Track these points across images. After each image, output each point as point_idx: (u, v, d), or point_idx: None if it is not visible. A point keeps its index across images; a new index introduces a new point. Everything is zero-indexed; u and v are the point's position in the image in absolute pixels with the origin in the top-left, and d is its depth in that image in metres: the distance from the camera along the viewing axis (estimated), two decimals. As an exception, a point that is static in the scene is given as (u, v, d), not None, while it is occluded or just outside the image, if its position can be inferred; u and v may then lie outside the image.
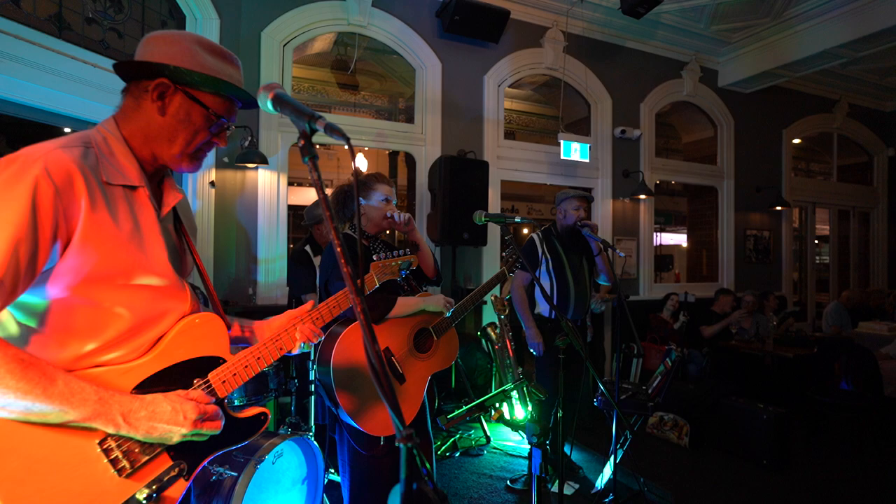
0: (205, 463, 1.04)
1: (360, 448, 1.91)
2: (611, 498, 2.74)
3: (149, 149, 1.04)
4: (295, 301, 3.12)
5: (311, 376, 2.75)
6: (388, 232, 2.66)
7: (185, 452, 1.01)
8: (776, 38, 5.56)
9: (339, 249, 0.85)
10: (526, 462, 3.45)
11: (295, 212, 5.26)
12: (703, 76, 6.08)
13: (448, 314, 2.12)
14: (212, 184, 3.87)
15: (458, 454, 3.63)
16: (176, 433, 0.95)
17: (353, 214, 2.14)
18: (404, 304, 2.01)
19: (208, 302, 1.24)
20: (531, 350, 3.11)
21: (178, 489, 0.99)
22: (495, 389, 3.11)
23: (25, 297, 0.90)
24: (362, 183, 2.15)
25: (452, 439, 3.78)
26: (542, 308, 3.14)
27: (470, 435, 3.99)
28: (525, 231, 8.86)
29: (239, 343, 1.21)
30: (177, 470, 0.99)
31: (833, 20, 5.06)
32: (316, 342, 1.27)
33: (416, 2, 4.62)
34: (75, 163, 0.91)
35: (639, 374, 4.86)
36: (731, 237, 6.38)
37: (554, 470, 2.96)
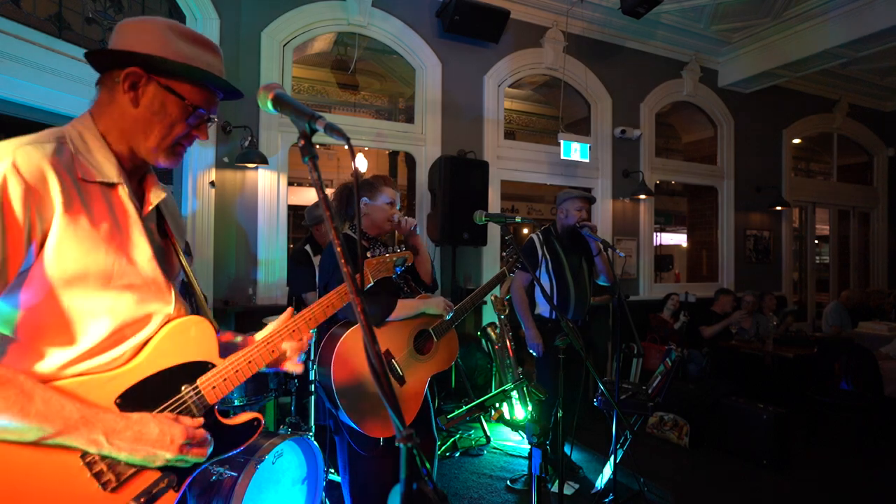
0: (195, 474, 0.99)
1: (359, 449, 1.91)
2: (611, 498, 2.74)
3: (125, 143, 0.99)
4: (295, 300, 3.11)
5: (311, 376, 2.75)
6: (387, 234, 2.66)
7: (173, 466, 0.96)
8: (776, 38, 5.56)
9: (339, 249, 0.84)
10: (526, 462, 3.45)
11: (295, 212, 5.26)
12: (703, 76, 6.08)
13: (448, 317, 2.12)
14: (212, 184, 3.87)
15: (458, 454, 3.63)
16: (160, 457, 0.90)
17: (354, 214, 2.14)
18: (404, 307, 2.00)
19: (198, 307, 1.18)
20: (531, 351, 3.11)
21: (168, 501, 0.94)
22: (495, 389, 3.11)
23: None
24: (369, 183, 2.15)
25: (452, 439, 3.78)
26: (543, 308, 3.14)
27: (470, 435, 3.99)
28: (525, 231, 8.85)
29: (231, 348, 1.14)
30: (165, 482, 0.94)
31: (833, 20, 5.06)
32: (298, 358, 1.20)
33: (416, 2, 4.62)
34: (47, 159, 0.85)
35: (639, 374, 4.86)
36: (731, 237, 6.38)
37: (554, 470, 2.96)
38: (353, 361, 1.83)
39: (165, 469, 0.93)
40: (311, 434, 2.64)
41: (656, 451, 3.75)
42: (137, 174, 1.04)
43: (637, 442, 3.34)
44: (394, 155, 6.06)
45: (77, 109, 1.05)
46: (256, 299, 4.02)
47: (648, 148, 5.78)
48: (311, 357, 2.74)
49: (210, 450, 0.97)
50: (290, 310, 1.21)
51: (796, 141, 7.13)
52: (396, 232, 2.29)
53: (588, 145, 5.28)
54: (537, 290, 3.13)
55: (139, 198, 1.03)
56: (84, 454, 0.86)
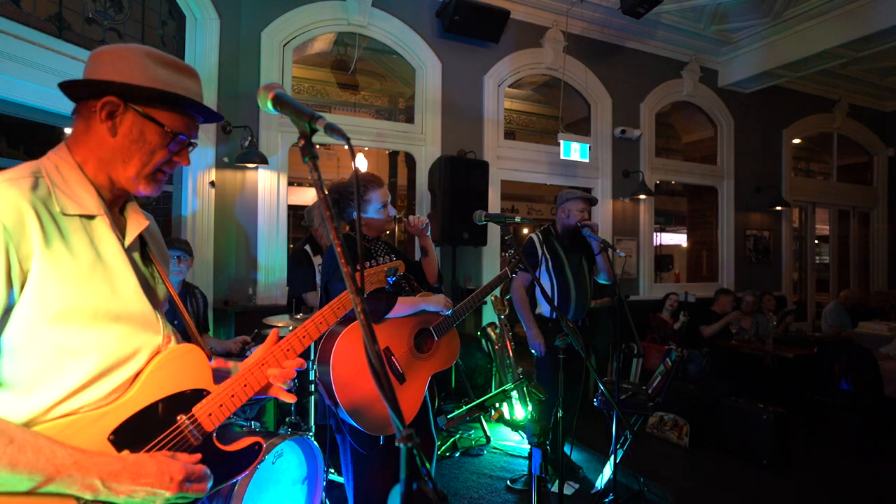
0: None
1: (360, 448, 1.91)
2: (611, 498, 2.74)
3: (104, 173, 0.96)
4: (295, 301, 3.12)
5: (311, 376, 2.76)
6: (387, 232, 2.67)
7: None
8: (776, 38, 5.56)
9: (339, 250, 0.85)
10: (526, 462, 3.45)
11: (295, 212, 5.26)
12: (703, 76, 6.08)
13: (448, 313, 2.12)
14: (212, 184, 3.87)
15: (458, 454, 3.63)
16: (160, 497, 0.87)
17: (350, 221, 2.14)
18: (404, 304, 2.01)
19: (187, 332, 1.14)
20: (532, 351, 3.10)
21: None
22: (495, 389, 3.11)
23: None
24: (358, 195, 2.14)
25: (452, 439, 3.77)
26: (544, 308, 3.13)
27: (470, 435, 3.99)
28: (525, 231, 8.86)
29: (224, 374, 1.11)
30: None
31: (833, 20, 5.06)
32: (289, 387, 1.15)
33: (416, 2, 4.62)
34: (24, 196, 0.83)
35: (639, 374, 4.86)
36: (731, 237, 6.38)
37: (554, 470, 2.96)
38: (352, 359, 1.83)
39: None
40: (311, 434, 2.64)
41: (656, 451, 3.75)
42: (118, 203, 1.02)
43: (637, 442, 3.33)
44: (394, 155, 6.06)
45: (77, 109, 1.03)
46: (256, 299, 4.02)
47: (648, 148, 5.78)
48: (311, 357, 2.75)
49: (210, 484, 0.95)
50: (274, 332, 1.17)
51: (796, 141, 7.13)
52: (397, 232, 2.30)
53: (588, 145, 5.28)
54: (537, 289, 3.13)
55: (121, 228, 1.00)
56: (79, 500, 0.83)
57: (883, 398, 3.98)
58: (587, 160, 5.29)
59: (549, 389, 2.69)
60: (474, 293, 2.30)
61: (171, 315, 1.13)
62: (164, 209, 4.01)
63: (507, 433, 4.10)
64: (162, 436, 0.94)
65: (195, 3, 3.79)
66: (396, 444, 0.77)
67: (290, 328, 2.44)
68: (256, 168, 4.04)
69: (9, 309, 0.82)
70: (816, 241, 7.68)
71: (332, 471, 2.81)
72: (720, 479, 3.31)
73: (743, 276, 6.37)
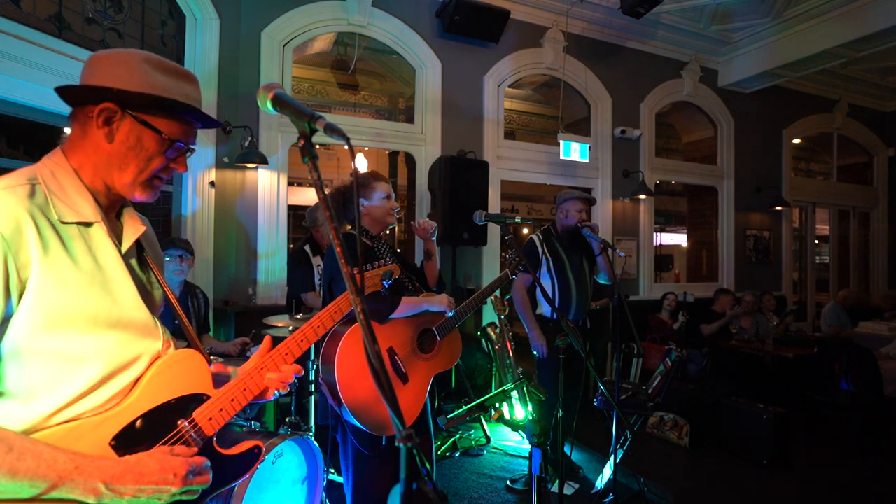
0: None
1: (362, 448, 1.91)
2: (611, 498, 2.74)
3: (100, 179, 0.95)
4: (294, 301, 3.12)
5: (311, 376, 2.75)
6: (387, 232, 2.67)
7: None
8: (776, 38, 5.56)
9: (339, 250, 0.85)
10: (526, 462, 3.45)
11: (295, 212, 5.26)
12: (703, 76, 6.08)
13: (450, 314, 2.12)
14: (212, 184, 3.87)
15: (458, 454, 3.63)
16: (166, 493, 0.87)
17: (353, 217, 2.14)
18: (408, 304, 2.01)
19: (186, 336, 1.14)
20: (534, 352, 3.10)
21: None
22: (495, 389, 3.11)
23: None
24: (362, 183, 2.16)
25: (452, 439, 3.77)
26: (545, 309, 3.13)
27: (470, 435, 3.99)
28: (525, 231, 8.86)
29: (223, 379, 1.11)
30: None
31: (833, 20, 5.06)
32: (288, 391, 1.16)
33: (416, 2, 4.62)
34: (21, 205, 0.83)
35: (639, 374, 4.86)
36: (731, 237, 6.38)
37: (554, 470, 2.96)
38: (356, 359, 1.83)
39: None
40: (311, 434, 2.64)
41: (656, 451, 3.75)
42: (114, 208, 1.02)
43: (637, 442, 3.33)
44: (394, 155, 6.06)
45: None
46: (256, 299, 4.02)
47: (648, 148, 5.78)
48: (311, 357, 2.75)
49: (211, 475, 0.95)
50: (267, 338, 1.16)
51: (796, 141, 7.13)
52: (397, 232, 2.31)
53: (588, 145, 5.28)
54: (538, 290, 3.13)
55: (117, 233, 0.99)
56: None
57: (883, 398, 3.99)
58: (587, 160, 5.29)
59: (550, 390, 2.69)
60: (475, 294, 2.30)
61: (169, 317, 1.13)
62: (164, 209, 4.01)
63: (507, 433, 4.10)
64: (163, 441, 0.95)
65: (195, 3, 3.79)
66: (396, 444, 0.77)
67: (290, 328, 2.44)
68: (256, 168, 4.04)
69: (7, 318, 0.82)
70: (816, 241, 7.68)
71: (332, 471, 2.80)
72: (720, 479, 3.31)
73: (743, 276, 6.37)
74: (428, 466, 0.81)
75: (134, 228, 1.02)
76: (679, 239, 10.10)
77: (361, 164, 6.91)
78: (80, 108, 0.95)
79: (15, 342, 0.83)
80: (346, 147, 0.86)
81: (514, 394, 2.87)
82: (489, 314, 4.69)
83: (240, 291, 3.99)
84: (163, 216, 4.03)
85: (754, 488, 3.20)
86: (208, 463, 0.95)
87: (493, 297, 4.01)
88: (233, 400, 1.05)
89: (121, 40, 3.47)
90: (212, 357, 1.13)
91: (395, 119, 6.59)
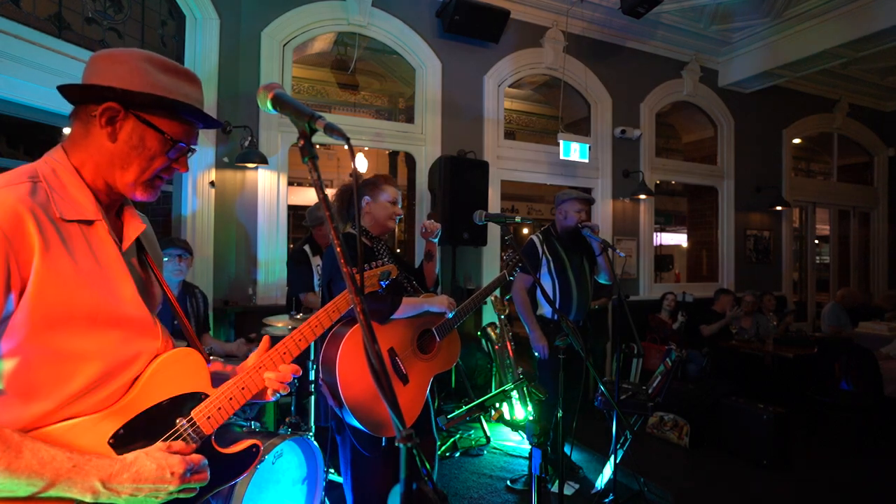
0: None
1: (362, 449, 1.91)
2: (611, 498, 2.74)
3: (101, 178, 0.96)
4: (294, 301, 3.11)
5: (311, 376, 2.75)
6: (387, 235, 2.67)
7: (172, 502, 0.94)
8: (776, 38, 5.56)
9: (338, 250, 0.85)
10: (526, 462, 3.45)
11: (295, 212, 5.26)
12: (703, 76, 6.08)
13: (450, 315, 2.12)
14: (212, 184, 3.87)
15: (458, 454, 3.63)
16: (163, 491, 0.87)
17: (355, 215, 2.14)
18: (408, 305, 2.01)
19: (185, 335, 1.13)
20: (535, 353, 3.09)
21: None
22: (495, 389, 3.11)
23: None
24: (371, 182, 2.16)
25: (452, 439, 3.78)
26: (545, 310, 3.13)
27: (470, 435, 3.99)
28: (525, 231, 8.86)
29: (222, 378, 1.10)
30: None
31: (833, 20, 5.06)
32: (287, 391, 1.15)
33: (416, 2, 4.62)
34: (23, 202, 0.82)
35: (639, 374, 4.86)
36: (731, 237, 6.38)
37: (554, 470, 2.96)
38: (358, 359, 1.83)
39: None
40: (311, 434, 2.64)
41: (656, 451, 3.75)
42: (114, 207, 1.02)
43: (637, 442, 3.34)
44: (394, 155, 6.07)
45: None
46: (256, 299, 4.02)
47: (648, 148, 5.78)
48: (311, 357, 2.74)
49: (209, 473, 0.95)
50: (266, 338, 1.16)
51: (796, 141, 7.13)
52: (397, 232, 2.32)
53: (588, 145, 5.28)
54: (538, 290, 3.13)
55: (117, 231, 1.00)
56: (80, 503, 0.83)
57: (883, 398, 3.98)
58: (587, 160, 5.29)
59: (550, 390, 2.69)
60: (474, 295, 2.31)
61: (168, 316, 1.13)
62: (164, 209, 4.01)
63: (507, 433, 4.10)
64: (161, 439, 0.95)
65: (195, 3, 3.79)
66: (397, 444, 0.77)
67: (290, 328, 2.44)
68: (256, 168, 4.03)
69: (8, 315, 0.82)
70: (817, 241, 7.67)
71: (332, 471, 2.80)
72: (720, 479, 3.31)
73: (743, 276, 6.37)
74: (428, 467, 0.81)
75: (134, 227, 1.02)
76: (679, 239, 10.10)
77: (361, 164, 6.91)
78: (83, 107, 0.95)
79: (15, 339, 0.83)
80: (346, 147, 0.86)
81: (514, 394, 2.87)
82: (489, 314, 4.69)
83: (240, 291, 3.99)
84: (163, 216, 4.03)
85: (754, 488, 3.20)
86: (206, 461, 0.95)
87: (493, 297, 4.01)
88: (231, 399, 1.05)
89: (120, 40, 3.46)
90: (211, 357, 1.13)
91: (395, 119, 6.59)
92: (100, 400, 0.90)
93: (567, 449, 3.14)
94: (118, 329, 0.92)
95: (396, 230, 6.34)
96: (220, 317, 3.90)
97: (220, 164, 3.92)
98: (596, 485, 3.10)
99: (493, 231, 4.80)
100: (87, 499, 0.82)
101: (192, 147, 1.03)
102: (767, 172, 6.67)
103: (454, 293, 4.34)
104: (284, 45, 4.19)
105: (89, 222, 0.92)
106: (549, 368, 3.06)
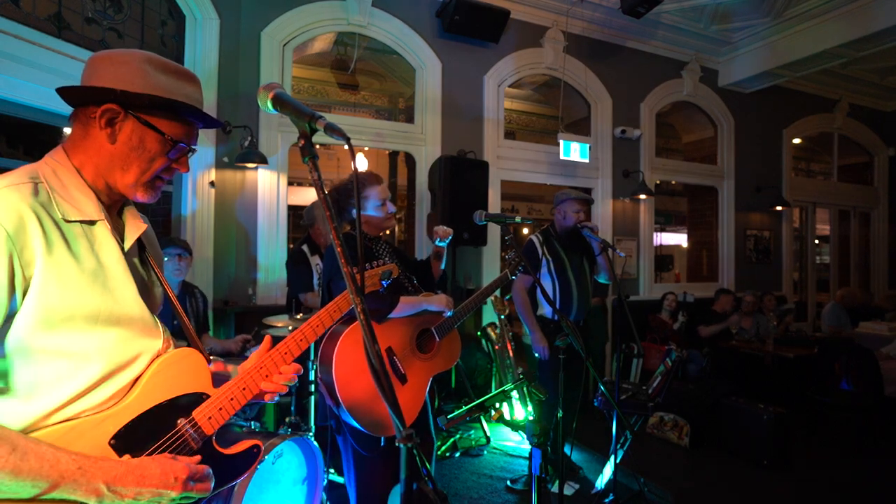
0: None
1: (360, 449, 1.91)
2: (611, 498, 2.74)
3: (102, 179, 0.96)
4: (294, 301, 3.11)
5: (311, 376, 2.75)
6: (387, 232, 2.67)
7: None
8: (776, 38, 5.56)
9: (339, 250, 0.85)
10: (526, 462, 3.45)
11: (295, 212, 5.26)
12: (703, 76, 6.08)
13: (449, 314, 2.12)
14: (212, 184, 3.87)
15: (458, 454, 3.63)
16: (165, 497, 0.87)
17: (351, 220, 2.14)
18: (407, 304, 2.00)
19: (185, 335, 1.13)
20: (536, 354, 3.09)
21: None
22: (495, 389, 3.11)
23: None
24: (357, 193, 2.14)
25: (452, 439, 3.77)
26: (546, 310, 3.13)
27: (470, 435, 3.99)
28: (525, 231, 8.85)
29: (223, 378, 1.11)
30: None
31: (833, 20, 5.06)
32: (285, 392, 1.15)
33: (416, 2, 4.62)
34: (25, 202, 0.83)
35: (639, 374, 4.86)
36: (731, 237, 6.38)
37: (554, 470, 2.96)
38: (355, 359, 1.82)
39: None
40: (311, 434, 2.64)
41: (656, 451, 3.75)
42: (115, 207, 1.02)
43: (637, 442, 3.34)
44: (394, 155, 6.06)
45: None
46: (256, 299, 4.02)
47: (648, 148, 5.77)
48: (311, 357, 2.74)
49: (213, 484, 0.95)
50: (267, 338, 1.16)
51: (796, 141, 7.13)
52: (397, 232, 2.32)
53: (588, 145, 5.28)
54: (539, 291, 3.13)
55: (119, 231, 1.00)
56: None
57: (883, 398, 3.98)
58: (587, 160, 5.29)
59: (550, 390, 2.69)
60: (475, 294, 2.31)
61: (169, 316, 1.13)
62: (163, 209, 4.01)
63: (507, 433, 4.10)
64: (162, 440, 0.95)
65: (195, 3, 3.79)
66: (397, 444, 0.77)
67: (290, 328, 2.44)
68: (256, 168, 4.03)
69: (11, 315, 0.82)
70: (817, 241, 7.67)
71: (332, 471, 2.80)
72: (720, 479, 3.31)
73: (743, 276, 6.37)
74: (428, 467, 0.81)
75: (136, 226, 1.02)
76: (679, 239, 10.10)
77: (361, 163, 6.91)
78: (82, 109, 0.95)
79: (18, 339, 0.83)
80: (346, 147, 0.87)
81: (514, 394, 2.88)
82: (489, 314, 4.69)
83: (239, 291, 3.99)
84: (163, 216, 4.03)
85: (754, 488, 3.20)
86: (210, 470, 0.95)
87: (493, 297, 4.01)
88: (232, 399, 1.05)
89: (120, 40, 3.46)
90: (211, 357, 1.13)
91: (395, 119, 6.59)
92: (101, 400, 0.90)
93: (567, 449, 3.14)
94: (120, 329, 0.92)
95: (396, 230, 6.34)
96: (220, 317, 3.90)
97: (220, 164, 3.92)
98: (596, 485, 3.10)
99: (494, 231, 4.80)
100: (91, 501, 0.82)
101: (193, 147, 1.02)
102: (767, 172, 6.67)
103: (454, 293, 4.34)
104: (284, 45, 4.19)
105: (91, 222, 0.93)
106: (550, 368, 3.06)
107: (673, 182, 7.13)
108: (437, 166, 4.37)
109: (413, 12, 4.61)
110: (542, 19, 5.12)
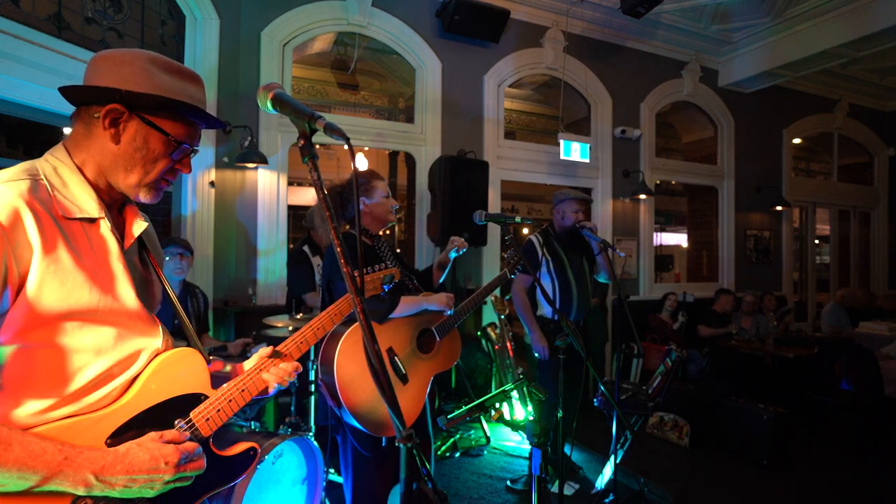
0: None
1: (362, 449, 1.91)
2: (611, 498, 2.74)
3: (104, 178, 0.96)
4: (294, 301, 3.11)
5: (311, 376, 2.75)
6: (387, 232, 2.67)
7: (166, 503, 0.92)
8: (776, 38, 5.56)
9: (339, 250, 0.85)
10: (526, 462, 3.45)
11: (295, 212, 5.26)
12: (703, 76, 6.08)
13: (449, 313, 2.12)
14: (212, 184, 3.86)
15: (458, 454, 3.63)
16: (158, 482, 0.86)
17: (352, 218, 2.14)
18: (407, 303, 2.00)
19: (186, 335, 1.13)
20: (535, 354, 3.09)
21: None
22: (495, 389, 3.10)
23: None
24: (361, 182, 2.16)
25: (452, 439, 3.77)
26: (545, 310, 3.13)
27: (470, 435, 3.99)
28: (525, 231, 8.85)
29: (221, 378, 1.11)
30: None
31: (833, 20, 5.06)
32: (287, 385, 1.16)
33: (416, 2, 4.62)
34: (22, 198, 0.82)
35: (639, 374, 4.86)
36: (731, 237, 6.38)
37: (554, 470, 2.96)
38: (356, 359, 1.82)
39: (159, 498, 0.90)
40: (311, 434, 2.64)
41: (656, 451, 3.75)
42: (116, 205, 1.02)
43: (637, 442, 3.34)
44: (394, 155, 6.06)
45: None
46: (256, 299, 4.02)
47: (648, 148, 5.77)
48: (311, 357, 2.74)
49: (205, 461, 0.95)
50: (270, 349, 1.16)
51: (796, 141, 7.13)
52: (397, 232, 2.32)
53: (588, 145, 5.28)
54: (538, 291, 3.13)
55: (119, 229, 0.99)
56: (76, 499, 0.82)
57: (883, 398, 3.98)
58: (587, 160, 5.29)
59: (550, 390, 2.69)
60: (474, 294, 2.31)
61: (169, 315, 1.13)
62: (163, 209, 4.01)
63: (507, 433, 4.10)
64: None
65: (195, 3, 3.79)
66: (396, 444, 0.77)
67: (290, 328, 2.45)
68: (256, 168, 4.03)
69: (3, 312, 0.82)
70: (817, 241, 7.67)
71: (332, 471, 2.80)
72: (720, 479, 3.31)
73: (743, 276, 6.37)
74: (428, 467, 0.81)
75: (136, 225, 1.02)
76: (679, 239, 10.10)
77: (361, 163, 6.91)
78: (85, 108, 0.95)
79: (11, 336, 0.82)
80: (346, 147, 0.86)
81: (514, 394, 2.87)
82: (489, 314, 4.69)
83: (240, 291, 3.99)
84: (163, 216, 4.03)
85: (754, 488, 3.20)
86: (200, 448, 0.94)
87: (493, 297, 4.01)
88: (230, 401, 1.04)
89: (120, 40, 3.46)
90: (211, 357, 1.13)
91: (395, 119, 6.59)
92: (98, 398, 0.90)
93: (567, 449, 3.14)
94: (118, 327, 0.92)
95: (396, 230, 6.33)
96: (220, 317, 3.90)
97: (220, 164, 3.92)
98: (596, 485, 3.10)
99: (494, 231, 4.80)
100: (80, 492, 0.81)
101: (195, 148, 1.02)
102: (767, 172, 6.67)
103: (454, 293, 4.33)
104: (284, 45, 4.19)
105: (91, 220, 0.92)
106: (549, 368, 3.06)
107: (673, 182, 7.12)
108: (437, 166, 4.37)
109: (413, 12, 4.61)
110: (542, 19, 5.12)
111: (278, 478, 2.02)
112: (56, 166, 0.92)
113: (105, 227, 0.94)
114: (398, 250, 2.55)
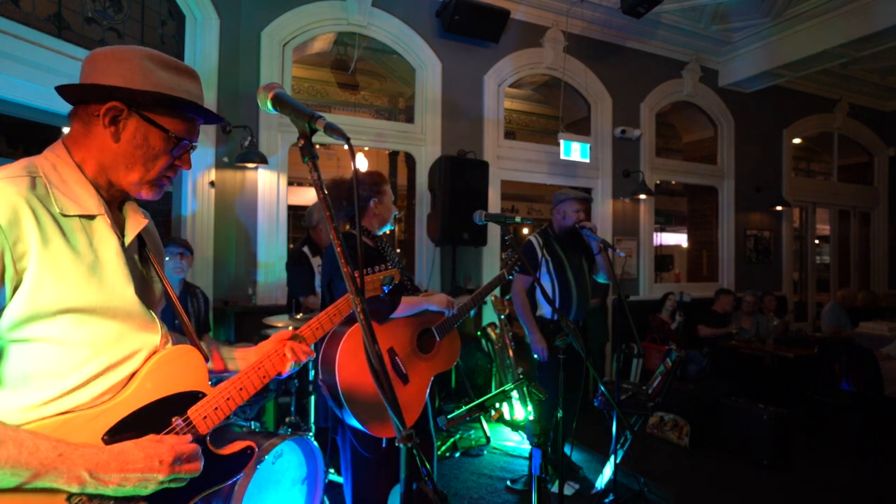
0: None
1: (362, 449, 1.91)
2: (611, 498, 2.74)
3: (104, 175, 0.95)
4: (294, 302, 3.11)
5: (311, 376, 2.75)
6: (387, 232, 2.67)
7: (163, 500, 0.91)
8: (776, 38, 5.56)
9: (339, 250, 0.85)
10: (526, 462, 3.45)
11: (295, 212, 5.26)
12: (703, 76, 6.08)
13: (449, 314, 2.12)
14: (212, 184, 3.86)
15: (458, 454, 3.63)
16: (152, 482, 0.86)
17: (352, 215, 2.14)
18: (408, 304, 2.00)
19: (185, 333, 1.13)
20: (535, 355, 3.09)
21: None
22: (495, 389, 3.10)
23: None
24: (374, 183, 2.16)
25: (452, 439, 3.77)
26: (545, 310, 3.12)
27: (470, 435, 3.99)
28: (525, 231, 8.85)
29: (221, 375, 1.11)
30: None
31: (833, 20, 5.06)
32: (305, 361, 1.19)
33: (416, 2, 4.62)
34: (21, 195, 0.82)
35: (639, 374, 4.86)
36: (731, 237, 6.38)
37: (554, 470, 2.95)
38: (357, 359, 1.82)
39: (158, 500, 0.89)
40: (311, 434, 2.64)
41: (656, 451, 3.75)
42: (116, 202, 1.01)
43: (637, 442, 3.34)
44: (394, 155, 6.06)
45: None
46: (256, 299, 4.02)
47: (648, 148, 5.77)
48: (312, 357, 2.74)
49: (202, 463, 0.94)
50: (289, 331, 1.19)
51: (796, 141, 7.13)
52: (397, 231, 2.33)
53: (588, 145, 5.28)
54: (538, 291, 3.12)
55: (119, 226, 0.99)
56: (70, 496, 0.82)
57: (883, 398, 3.98)
58: (587, 160, 5.29)
59: (550, 390, 2.68)
60: (473, 294, 2.31)
61: (169, 315, 1.13)
62: (163, 209, 4.01)
63: (507, 433, 4.10)
64: None
65: (195, 3, 3.79)
66: (397, 444, 0.77)
67: (290, 329, 2.44)
68: (256, 168, 4.03)
69: (1, 308, 0.82)
70: (817, 241, 7.67)
71: (332, 471, 2.80)
72: (720, 479, 3.31)
73: (743, 276, 6.37)
74: (428, 467, 0.81)
75: (136, 222, 1.02)
76: (679, 239, 10.10)
77: (361, 164, 6.91)
78: (83, 107, 0.94)
79: (11, 332, 0.82)
80: (346, 147, 0.87)
81: (514, 394, 2.87)
82: (489, 314, 4.69)
83: (240, 291, 3.99)
84: (163, 216, 4.03)
85: (754, 488, 3.20)
86: (199, 449, 0.94)
87: (492, 297, 4.01)
88: (228, 399, 1.04)
89: (120, 40, 3.46)
90: (236, 345, 1.14)
91: (395, 119, 6.59)
92: (96, 395, 0.90)
93: (567, 449, 3.13)
94: (116, 323, 0.92)
95: (396, 230, 6.34)
96: (220, 317, 3.90)
97: (220, 164, 3.92)
98: (596, 485, 3.10)
99: (493, 231, 4.80)
100: (74, 489, 0.81)
101: (194, 143, 1.03)
102: (767, 172, 6.67)
103: (454, 293, 4.33)
104: (284, 45, 4.19)
105: (91, 217, 0.92)
106: (549, 368, 3.06)
107: (673, 182, 7.13)
108: (437, 166, 4.37)
109: (413, 12, 4.61)
110: (541, 19, 5.12)
111: (278, 478, 2.02)
112: (55, 163, 0.92)
113: (104, 223, 0.94)
114: (398, 250, 2.56)
